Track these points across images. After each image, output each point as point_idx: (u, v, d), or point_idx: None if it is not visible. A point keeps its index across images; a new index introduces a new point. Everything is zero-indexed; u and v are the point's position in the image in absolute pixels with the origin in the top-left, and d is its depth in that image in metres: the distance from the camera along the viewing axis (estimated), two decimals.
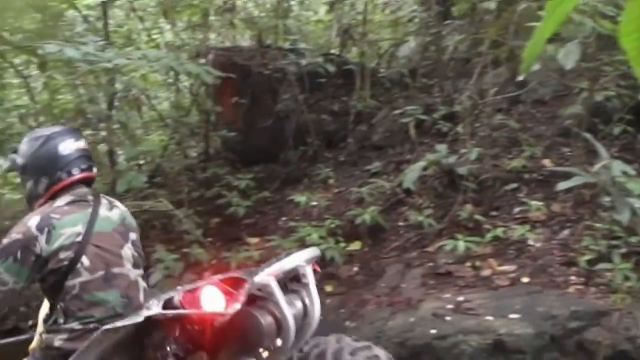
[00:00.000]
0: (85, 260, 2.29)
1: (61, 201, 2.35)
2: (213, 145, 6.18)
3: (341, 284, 4.20)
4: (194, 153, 6.48)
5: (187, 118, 6.17)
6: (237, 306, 1.97)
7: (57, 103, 6.77)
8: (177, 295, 2.06)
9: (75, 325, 2.26)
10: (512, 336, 3.10)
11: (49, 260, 2.25)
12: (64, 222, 2.29)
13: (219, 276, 2.13)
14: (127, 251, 2.43)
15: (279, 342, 2.10)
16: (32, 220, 2.28)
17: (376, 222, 4.39)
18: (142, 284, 2.45)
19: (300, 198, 4.78)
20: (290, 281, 2.29)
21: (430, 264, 3.93)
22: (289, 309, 2.09)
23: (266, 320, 2.05)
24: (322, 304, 4.02)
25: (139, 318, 1.99)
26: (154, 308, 2.02)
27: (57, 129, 2.51)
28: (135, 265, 2.44)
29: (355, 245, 4.42)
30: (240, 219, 5.04)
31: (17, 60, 5.64)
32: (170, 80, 7.02)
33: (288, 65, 5.54)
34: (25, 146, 2.44)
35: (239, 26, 6.75)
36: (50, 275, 2.29)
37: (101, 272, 2.31)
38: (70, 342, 2.24)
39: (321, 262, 4.32)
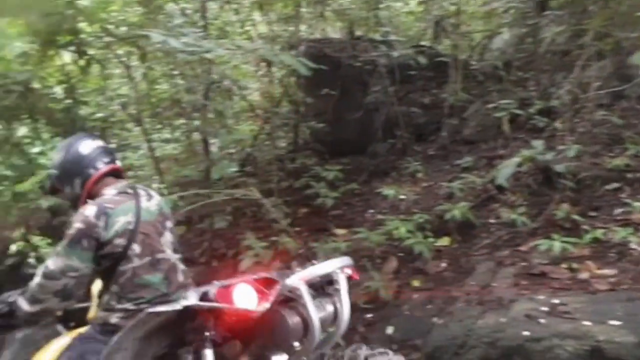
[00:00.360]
0: (135, 247, 2.55)
1: (109, 193, 2.60)
2: (302, 136, 6.26)
3: (429, 279, 4.15)
4: (282, 143, 6.59)
5: (277, 109, 6.27)
6: (266, 305, 2.14)
7: (155, 92, 7.08)
8: (213, 289, 2.20)
9: (129, 306, 2.52)
10: (612, 343, 2.95)
11: (105, 245, 2.50)
12: (117, 211, 2.54)
13: (254, 275, 2.30)
14: (167, 237, 2.71)
15: (304, 340, 2.23)
16: (89, 210, 2.52)
17: (466, 218, 4.30)
18: (181, 266, 2.72)
19: (388, 191, 4.75)
20: (327, 285, 2.44)
21: (523, 263, 3.80)
22: (316, 312, 2.23)
23: (293, 320, 2.22)
24: (410, 299, 4.04)
25: (177, 306, 2.16)
26: (191, 299, 2.18)
27: (74, 136, 2.81)
28: (175, 250, 2.72)
29: (444, 241, 4.35)
30: (328, 210, 5.09)
31: (120, 52, 5.92)
32: (261, 72, 7.19)
33: (379, 57, 5.52)
34: (54, 159, 2.76)
35: (329, 18, 6.78)
36: (104, 260, 2.53)
37: (148, 258, 2.58)
38: (125, 319, 2.48)
39: (409, 256, 4.33)
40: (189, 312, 2.20)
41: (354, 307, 4.12)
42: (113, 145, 7.14)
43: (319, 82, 5.58)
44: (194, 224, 5.50)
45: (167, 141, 7.48)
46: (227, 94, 6.55)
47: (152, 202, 2.73)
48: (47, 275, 2.52)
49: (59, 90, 6.61)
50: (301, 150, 6.09)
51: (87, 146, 2.71)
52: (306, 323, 2.21)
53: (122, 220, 2.54)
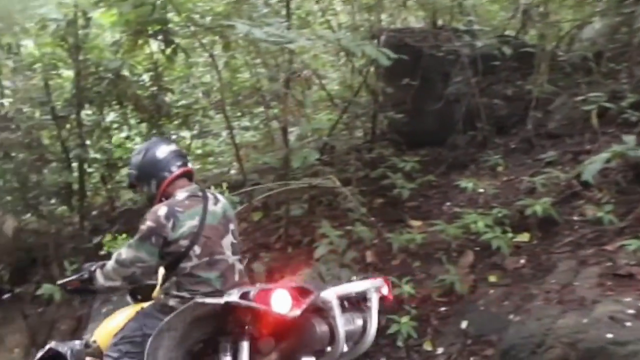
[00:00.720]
0: (197, 248, 2.89)
1: (180, 196, 2.97)
2: (379, 127, 6.23)
3: (506, 275, 4.05)
4: (360, 133, 6.59)
5: (355, 98, 6.27)
6: (297, 312, 2.43)
7: (237, 81, 7.26)
8: (253, 291, 2.50)
9: (186, 294, 2.87)
10: None
11: (171, 244, 2.86)
12: (185, 215, 2.89)
13: (293, 283, 2.63)
14: (227, 240, 3.02)
15: (329, 349, 2.55)
16: (161, 211, 2.88)
17: (548, 214, 4.14)
18: (238, 266, 3.04)
19: (467, 184, 4.66)
20: (362, 300, 2.73)
21: (609, 263, 3.63)
22: (343, 324, 2.53)
23: (321, 328, 2.52)
24: (486, 294, 3.96)
25: (221, 301, 2.49)
26: (233, 297, 2.48)
27: (151, 140, 3.23)
28: (234, 252, 3.03)
29: (524, 237, 4.23)
30: (404, 201, 5.05)
31: (204, 41, 6.09)
32: (341, 61, 7.20)
33: (461, 47, 5.40)
34: (133, 161, 3.13)
35: (411, 7, 6.70)
36: (168, 256, 2.90)
37: (206, 258, 2.91)
38: (181, 304, 2.77)
39: (486, 251, 4.24)
40: (230, 307, 2.50)
41: (427, 300, 4.13)
42: (195, 132, 7.40)
43: (399, 72, 5.52)
44: (271, 211, 5.61)
45: (246, 129, 7.66)
46: (307, 83, 6.61)
47: (218, 205, 3.06)
48: (120, 263, 2.93)
49: (146, 78, 6.90)
50: (378, 140, 6.06)
51: (163, 150, 3.05)
52: (333, 333, 2.51)
53: (189, 224, 2.88)
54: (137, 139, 7.34)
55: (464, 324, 3.84)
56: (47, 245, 6.51)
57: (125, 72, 6.61)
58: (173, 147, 3.13)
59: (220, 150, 8.12)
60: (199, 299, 2.60)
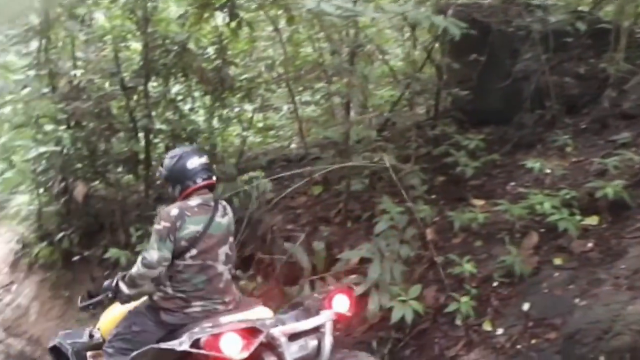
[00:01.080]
0: (194, 250, 3.20)
1: (193, 202, 3.26)
2: (442, 104, 6.11)
3: (572, 258, 3.94)
4: (422, 110, 6.49)
5: (419, 74, 6.17)
6: (245, 354, 2.75)
7: (299, 55, 7.26)
8: (204, 337, 2.84)
9: (169, 290, 3.24)
10: None
11: (174, 243, 3.17)
12: (191, 220, 3.19)
13: (242, 325, 2.89)
14: (223, 250, 3.31)
15: None
16: (173, 212, 3.19)
17: (619, 198, 3.99)
18: (226, 275, 3.33)
19: (533, 164, 4.53)
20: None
21: None
22: (294, 353, 2.90)
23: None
24: (550, 276, 3.86)
25: (176, 347, 2.88)
26: (184, 345, 2.86)
27: (187, 149, 3.45)
28: (226, 262, 3.32)
29: (592, 220, 4.09)
30: (467, 180, 4.96)
31: (269, 14, 6.11)
32: (405, 36, 7.08)
33: (532, 22, 5.20)
34: (166, 162, 3.39)
35: None
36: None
37: (199, 262, 3.22)
38: (163, 300, 3.24)
39: (551, 233, 4.13)
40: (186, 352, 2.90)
41: (487, 280, 4.07)
42: (257, 106, 7.47)
43: (465, 48, 5.37)
44: (331, 185, 5.62)
45: (307, 104, 7.67)
46: (370, 58, 6.54)
47: (224, 218, 3.36)
48: (148, 265, 3.16)
49: (211, 51, 6.99)
50: (441, 117, 5.94)
51: (194, 162, 3.30)
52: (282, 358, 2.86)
53: (192, 229, 3.19)
54: (201, 112, 7.49)
55: (525, 306, 3.77)
56: (114, 212, 6.76)
57: (191, 45, 6.73)
58: (203, 159, 3.35)
59: (280, 124, 8.19)
60: (155, 345, 3.04)
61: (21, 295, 8.07)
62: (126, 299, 3.35)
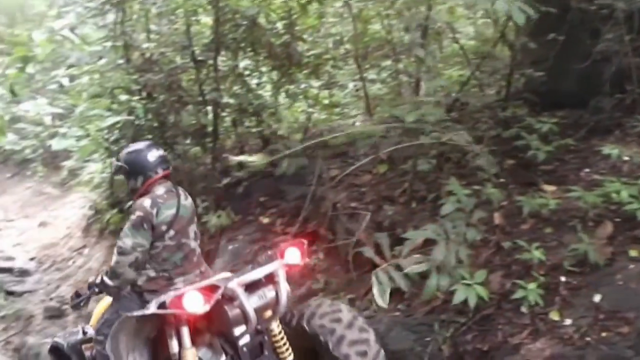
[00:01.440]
0: (171, 232, 3.59)
1: (160, 191, 3.62)
2: (514, 85, 5.92)
3: None
4: (492, 91, 6.32)
5: (490, 54, 5.99)
6: (207, 307, 3.16)
7: (368, 32, 7.18)
8: (168, 299, 3.25)
9: (151, 273, 3.60)
10: None
11: (155, 229, 3.53)
12: (166, 206, 3.58)
13: (202, 284, 3.37)
14: (192, 229, 3.76)
15: (243, 326, 3.31)
16: (146, 202, 3.55)
17: None
18: (198, 250, 3.80)
19: (610, 150, 4.35)
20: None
21: None
22: (250, 305, 3.27)
23: (233, 312, 3.27)
24: (625, 268, 3.71)
25: (146, 312, 3.26)
26: (152, 308, 3.25)
27: (143, 144, 3.81)
28: (195, 239, 3.78)
29: None
30: (538, 164, 4.80)
31: None
32: (478, 14, 6.89)
33: (616, 0, 4.93)
34: (126, 157, 3.72)
35: None
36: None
37: (176, 241, 3.63)
38: (147, 282, 3.59)
39: (628, 223, 3.96)
40: (156, 314, 3.28)
41: (557, 268, 3.95)
42: (323, 82, 7.46)
43: (541, 27, 5.15)
44: (397, 164, 5.58)
45: (373, 81, 7.60)
46: (440, 36, 6.40)
47: (187, 201, 3.75)
48: (123, 252, 3.50)
49: (280, 26, 7.01)
50: (512, 99, 5.77)
51: (153, 155, 3.66)
52: (244, 313, 3.25)
53: (167, 213, 3.57)
54: (268, 87, 7.54)
55: (597, 297, 3.65)
56: (182, 183, 6.92)
57: (261, 20, 6.76)
58: (161, 152, 3.74)
59: (346, 101, 8.15)
60: (129, 314, 3.34)
61: (92, 259, 8.46)
62: (114, 291, 3.65)
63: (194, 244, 3.76)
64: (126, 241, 3.49)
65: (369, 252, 4.62)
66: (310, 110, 7.48)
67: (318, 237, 5.51)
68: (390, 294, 4.16)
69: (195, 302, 3.15)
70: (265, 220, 6.07)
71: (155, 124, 7.18)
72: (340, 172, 5.71)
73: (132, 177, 3.74)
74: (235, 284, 3.30)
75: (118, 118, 6.88)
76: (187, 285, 3.55)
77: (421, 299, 4.27)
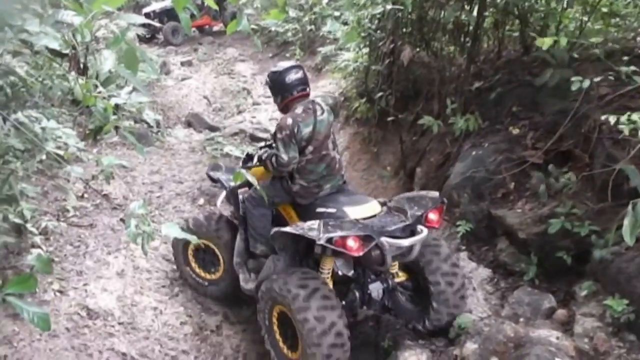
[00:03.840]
0: (310, 147, 4.29)
1: (299, 110, 4.27)
2: None
3: None
4: None
5: None
6: (361, 253, 3.86)
7: None
8: (335, 237, 3.81)
9: (302, 182, 4.40)
10: None
11: (297, 144, 4.22)
12: (305, 124, 4.23)
13: (361, 232, 3.91)
14: (331, 139, 4.44)
15: (381, 266, 4.05)
16: (289, 121, 4.20)
17: None
18: (338, 157, 4.51)
19: None
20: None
21: None
22: (390, 252, 3.96)
23: (376, 254, 3.97)
24: None
25: (316, 240, 3.84)
26: (322, 240, 3.80)
27: (286, 65, 4.40)
28: (334, 149, 4.46)
29: None
30: None
31: None
32: None
33: None
34: (270, 76, 4.38)
35: None
36: None
37: (317, 154, 4.34)
38: (300, 188, 4.40)
39: None
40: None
41: None
42: None
43: None
44: None
45: None
46: None
47: (324, 115, 4.34)
48: (282, 165, 4.26)
49: None
50: None
51: (290, 77, 4.29)
52: (384, 256, 3.96)
53: (306, 130, 4.23)
54: None
55: None
56: (433, 81, 6.87)
57: None
58: (300, 74, 4.30)
59: (627, 11, 7.13)
60: (281, 229, 4.16)
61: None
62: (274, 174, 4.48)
63: (333, 153, 4.42)
64: (284, 157, 4.19)
65: (636, 179, 4.13)
66: (584, 18, 6.69)
67: (573, 157, 5.11)
68: None
69: (355, 246, 3.83)
70: (515, 131, 5.76)
71: (413, 17, 7.07)
72: (612, 92, 5.12)
73: (274, 94, 4.38)
74: (385, 242, 3.93)
75: (383, 8, 6.85)
76: (333, 190, 4.47)
77: None
